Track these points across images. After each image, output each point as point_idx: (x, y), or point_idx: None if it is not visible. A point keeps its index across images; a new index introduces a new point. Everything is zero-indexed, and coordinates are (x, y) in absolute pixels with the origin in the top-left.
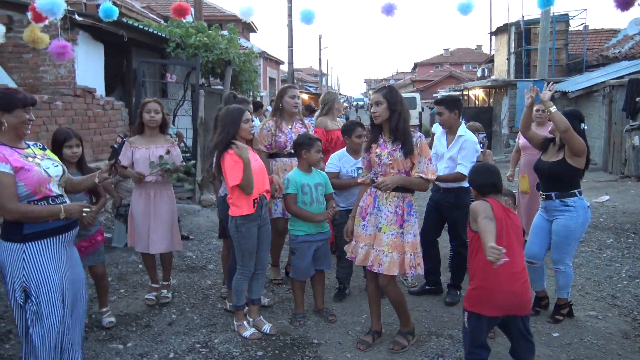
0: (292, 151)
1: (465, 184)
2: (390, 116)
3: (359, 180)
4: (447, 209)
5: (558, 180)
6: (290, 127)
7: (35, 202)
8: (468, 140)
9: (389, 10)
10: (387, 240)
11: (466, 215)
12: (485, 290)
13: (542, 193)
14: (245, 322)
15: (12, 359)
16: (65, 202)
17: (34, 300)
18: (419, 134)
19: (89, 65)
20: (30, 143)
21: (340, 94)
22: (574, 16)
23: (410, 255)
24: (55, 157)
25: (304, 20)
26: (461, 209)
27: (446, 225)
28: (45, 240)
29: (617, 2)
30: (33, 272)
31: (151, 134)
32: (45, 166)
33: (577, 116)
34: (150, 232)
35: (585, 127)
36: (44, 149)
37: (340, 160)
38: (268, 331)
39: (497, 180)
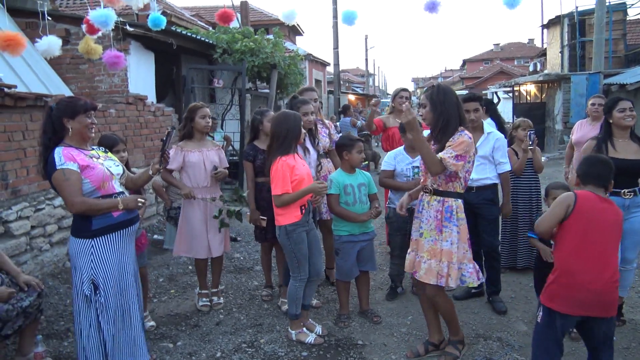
0: (318, 152)
1: (497, 180)
2: (431, 117)
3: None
4: (483, 207)
5: (637, 178)
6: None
7: (102, 198)
8: (500, 138)
9: (432, 7)
10: (427, 246)
11: (499, 211)
12: (564, 284)
13: (625, 191)
14: (304, 329)
15: (70, 356)
16: None
17: (102, 293)
18: (463, 132)
19: (140, 74)
20: (95, 147)
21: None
22: (632, 4)
23: (444, 264)
24: (116, 158)
25: (346, 21)
26: (497, 204)
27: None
28: (111, 235)
29: None
30: (101, 265)
31: (200, 138)
32: (108, 165)
33: (606, 112)
34: (210, 237)
35: None
36: (105, 151)
37: (396, 159)
38: (320, 333)
39: (602, 171)
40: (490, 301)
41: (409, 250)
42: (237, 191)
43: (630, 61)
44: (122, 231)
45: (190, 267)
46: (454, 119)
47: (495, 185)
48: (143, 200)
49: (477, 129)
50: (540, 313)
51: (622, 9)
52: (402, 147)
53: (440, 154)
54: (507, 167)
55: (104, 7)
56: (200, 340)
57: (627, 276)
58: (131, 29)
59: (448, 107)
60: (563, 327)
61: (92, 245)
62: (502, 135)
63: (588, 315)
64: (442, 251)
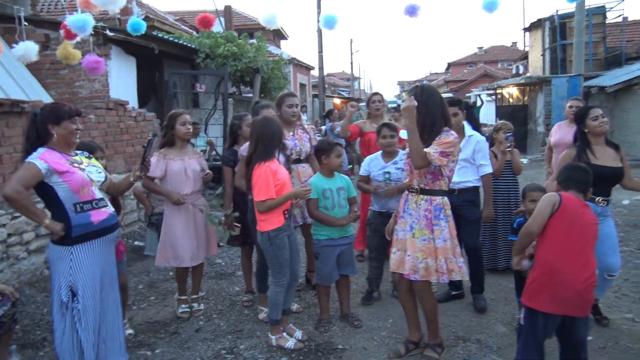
0: (299, 157)
1: (478, 183)
2: (417, 116)
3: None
4: (465, 208)
5: (614, 184)
6: (292, 134)
7: (81, 204)
8: (481, 141)
9: (412, 11)
10: (421, 245)
11: (480, 212)
12: (547, 283)
13: (600, 199)
14: (284, 334)
15: None
16: (107, 204)
17: (80, 299)
18: (449, 132)
19: (121, 79)
20: (79, 152)
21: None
22: (611, 8)
23: (442, 261)
24: (100, 165)
25: (326, 25)
26: (478, 206)
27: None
28: (91, 242)
29: None
30: (79, 272)
31: (182, 145)
32: (89, 172)
33: (579, 122)
34: (194, 244)
35: None
36: (89, 157)
37: (370, 164)
38: (300, 337)
39: (582, 177)
40: (473, 298)
41: (393, 250)
42: (221, 195)
43: (610, 64)
44: (102, 238)
45: (171, 274)
46: (439, 118)
47: (476, 187)
48: (62, 234)
49: (459, 132)
50: (522, 315)
51: (602, 12)
52: (379, 153)
53: (425, 149)
54: (489, 170)
55: (82, 12)
56: (179, 347)
57: (610, 283)
58: (112, 34)
59: (432, 107)
60: (546, 328)
61: (72, 252)
62: (484, 138)
63: (568, 315)
64: (437, 249)
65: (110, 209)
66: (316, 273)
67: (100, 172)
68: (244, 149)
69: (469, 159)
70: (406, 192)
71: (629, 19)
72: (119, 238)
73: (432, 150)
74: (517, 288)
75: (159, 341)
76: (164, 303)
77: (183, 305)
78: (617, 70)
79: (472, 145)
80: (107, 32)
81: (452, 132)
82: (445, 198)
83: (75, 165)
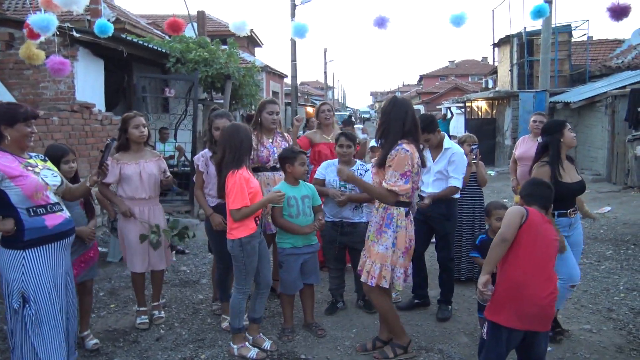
0: (275, 165)
1: (456, 195)
2: (379, 123)
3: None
4: (437, 220)
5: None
6: (271, 141)
7: (35, 208)
8: (457, 153)
9: (381, 23)
10: (367, 247)
11: (456, 226)
12: (512, 297)
13: (570, 210)
14: (246, 343)
15: None
16: (62, 209)
17: (32, 305)
18: (401, 146)
19: (88, 81)
20: (33, 154)
21: (347, 107)
22: (577, 27)
23: (376, 265)
24: (55, 169)
25: (297, 34)
26: (451, 220)
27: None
28: (44, 246)
29: (612, 12)
30: (32, 278)
31: (138, 149)
32: (44, 175)
33: (556, 131)
34: (150, 251)
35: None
36: (45, 160)
37: (327, 169)
38: (269, 348)
39: (544, 193)
40: (437, 308)
41: (363, 255)
42: (175, 223)
43: (575, 81)
44: (56, 243)
45: None
46: (395, 130)
47: (451, 200)
48: (12, 232)
49: (438, 146)
50: (485, 329)
51: (567, 30)
52: (336, 160)
53: (386, 184)
54: (456, 183)
55: (45, 12)
56: (138, 357)
57: (570, 293)
58: (78, 35)
59: (392, 118)
60: (509, 342)
61: (24, 257)
62: (461, 152)
63: (531, 330)
64: (377, 254)
65: (66, 213)
66: (280, 282)
67: (55, 176)
68: (197, 158)
69: (443, 170)
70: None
71: (593, 38)
72: (92, 242)
73: (392, 182)
74: (479, 304)
75: (118, 350)
76: (124, 311)
77: (142, 317)
78: (581, 87)
79: (448, 157)
80: (74, 33)
81: (405, 145)
82: (402, 209)
83: (30, 168)
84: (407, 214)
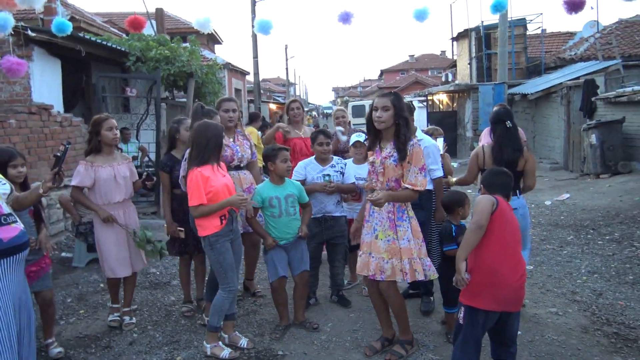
0: (239, 164)
1: (429, 186)
2: (396, 123)
3: (365, 186)
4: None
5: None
6: (232, 139)
7: None
8: (430, 145)
9: (345, 18)
10: (385, 246)
11: (430, 215)
12: (488, 282)
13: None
14: (220, 343)
15: None
16: (16, 220)
17: None
18: (415, 140)
19: (45, 82)
20: None
21: (309, 103)
22: (531, 20)
23: (405, 261)
24: (1, 176)
25: (261, 30)
26: (425, 210)
27: None
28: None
29: (567, 5)
30: None
31: (110, 151)
32: None
33: (498, 122)
34: (130, 252)
35: (510, 125)
36: None
37: (306, 168)
38: (245, 345)
39: (505, 181)
40: (420, 300)
41: (360, 253)
42: (144, 233)
43: (531, 73)
44: (9, 258)
45: (101, 285)
46: (410, 127)
47: (427, 191)
48: None
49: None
50: (462, 314)
51: (523, 24)
52: (312, 157)
53: (411, 180)
54: (439, 173)
55: (0, 11)
56: None
57: None
58: (34, 35)
59: (409, 115)
60: (484, 325)
61: None
62: (434, 143)
63: (505, 311)
64: (401, 249)
65: (20, 225)
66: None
67: (4, 184)
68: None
69: None
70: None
71: (547, 31)
72: (42, 252)
73: (416, 178)
74: (443, 292)
75: (90, 356)
76: (94, 316)
77: (115, 314)
78: (538, 79)
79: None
80: (29, 32)
81: (415, 140)
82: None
83: None
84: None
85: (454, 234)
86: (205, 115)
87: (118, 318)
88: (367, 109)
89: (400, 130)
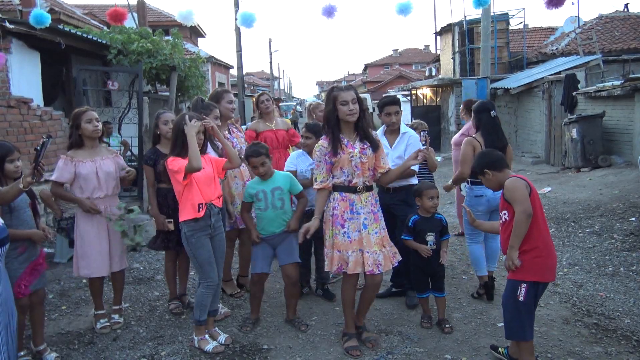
0: (240, 157)
1: (413, 181)
2: (360, 115)
3: (320, 186)
4: (398, 207)
5: None
6: (227, 132)
7: None
8: (413, 136)
9: (329, 12)
10: (375, 239)
11: (415, 211)
12: (544, 256)
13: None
14: (206, 336)
15: None
16: None
17: None
18: (375, 132)
19: (24, 75)
20: None
21: (293, 97)
22: (514, 15)
23: (388, 247)
24: None
25: (244, 23)
26: (411, 206)
27: None
28: None
29: (548, 1)
30: None
31: (92, 145)
32: None
33: (483, 110)
34: (112, 251)
35: (495, 114)
36: None
37: (298, 159)
38: (223, 342)
39: (498, 156)
40: (406, 295)
41: (347, 252)
42: (136, 213)
43: (513, 67)
44: None
45: (84, 281)
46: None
47: (411, 186)
48: None
49: (395, 132)
50: (524, 291)
51: (505, 19)
52: (301, 150)
53: (384, 164)
54: (416, 167)
55: None
56: (95, 358)
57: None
58: (12, 27)
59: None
60: (537, 296)
61: None
62: (417, 135)
63: (551, 280)
64: (384, 237)
65: (0, 220)
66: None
67: None
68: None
69: (402, 156)
70: (343, 195)
71: (529, 26)
72: (38, 251)
73: (384, 164)
74: (415, 284)
75: (73, 353)
76: (77, 312)
77: (102, 320)
78: (520, 74)
79: (406, 141)
80: (7, 24)
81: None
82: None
83: None
84: None
85: (410, 224)
86: (205, 109)
87: (107, 324)
88: None
89: (365, 122)
